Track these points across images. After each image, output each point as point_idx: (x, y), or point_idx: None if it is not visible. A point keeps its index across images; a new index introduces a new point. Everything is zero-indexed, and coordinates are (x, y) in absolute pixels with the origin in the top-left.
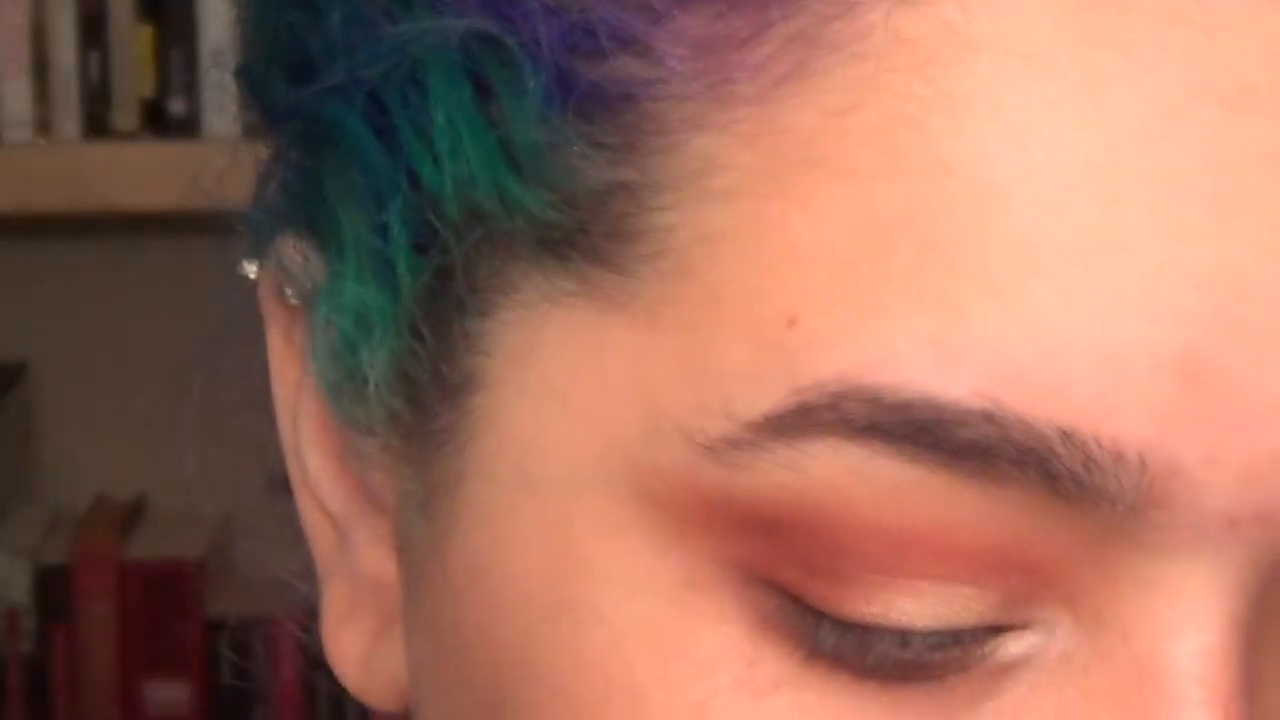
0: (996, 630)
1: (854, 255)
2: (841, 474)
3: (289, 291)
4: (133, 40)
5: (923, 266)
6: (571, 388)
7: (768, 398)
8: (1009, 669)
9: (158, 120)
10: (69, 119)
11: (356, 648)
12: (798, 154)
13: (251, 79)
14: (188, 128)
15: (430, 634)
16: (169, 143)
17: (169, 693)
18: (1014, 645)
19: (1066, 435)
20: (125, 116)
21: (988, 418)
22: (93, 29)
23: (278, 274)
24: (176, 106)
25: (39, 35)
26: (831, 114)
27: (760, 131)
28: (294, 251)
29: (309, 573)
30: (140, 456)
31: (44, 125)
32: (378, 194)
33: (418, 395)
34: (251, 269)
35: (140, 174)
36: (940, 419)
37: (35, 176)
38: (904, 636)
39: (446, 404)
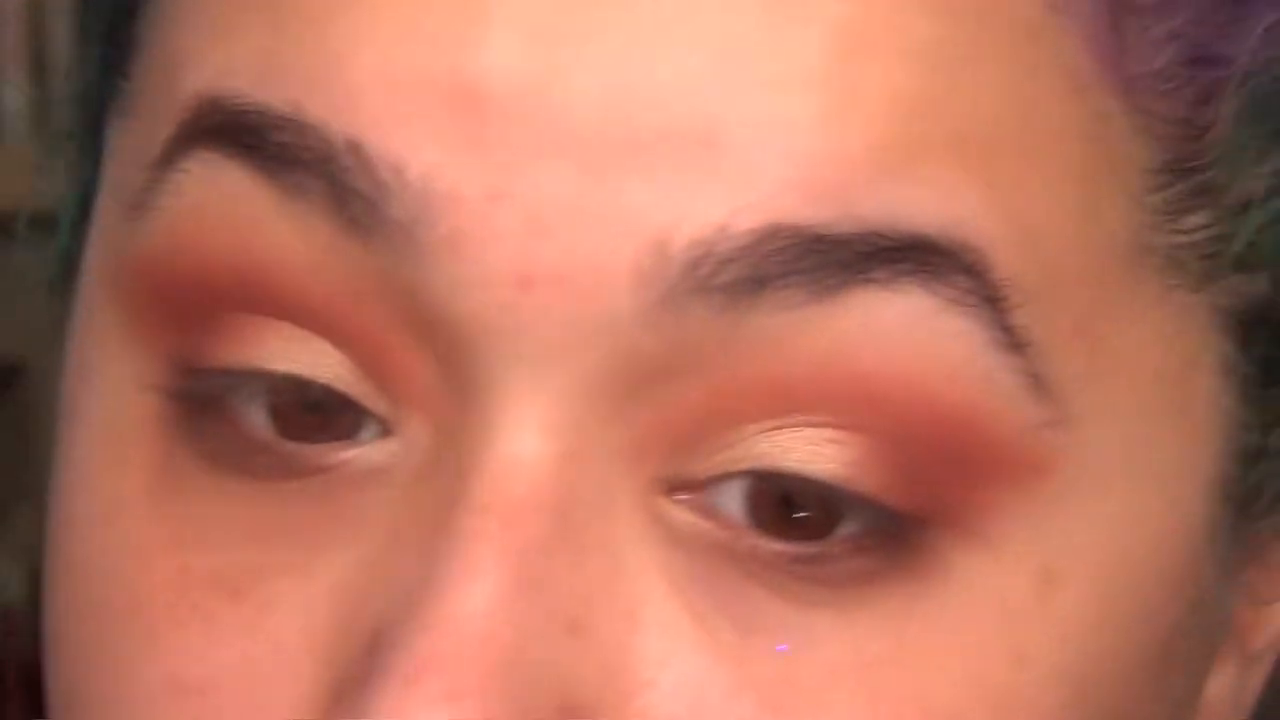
0: (358, 411)
1: None
2: (205, 185)
3: None
4: None
5: None
6: (101, 196)
7: (162, 135)
8: (371, 479)
9: None
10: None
11: None
12: None
13: None
14: None
15: None
16: None
17: None
18: (376, 454)
19: (354, 146)
20: None
21: (290, 121)
22: None
23: None
24: None
25: (38, 35)
26: None
27: None
28: None
29: None
30: None
31: (43, 124)
32: None
33: None
34: None
35: None
36: (261, 123)
37: (35, 176)
38: (269, 385)
39: None
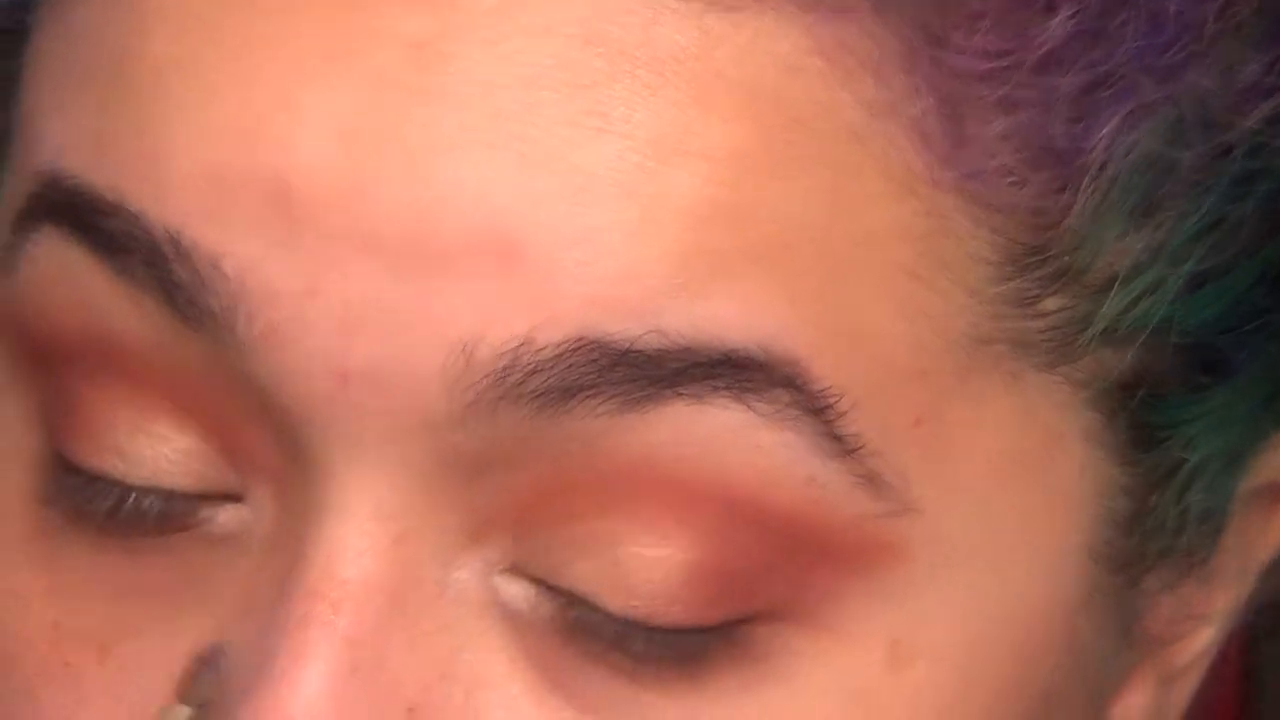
0: (206, 497)
1: (64, 62)
2: (52, 260)
3: None
4: None
5: (96, 74)
6: None
7: (20, 196)
8: (228, 544)
9: None
10: None
11: None
12: None
13: None
14: None
15: None
16: None
17: None
18: (231, 520)
19: (173, 237)
20: None
21: (116, 209)
22: None
23: None
24: None
25: None
26: None
27: None
28: None
29: None
30: None
31: None
32: None
33: None
34: None
35: None
36: (93, 205)
37: None
38: (117, 483)
39: None
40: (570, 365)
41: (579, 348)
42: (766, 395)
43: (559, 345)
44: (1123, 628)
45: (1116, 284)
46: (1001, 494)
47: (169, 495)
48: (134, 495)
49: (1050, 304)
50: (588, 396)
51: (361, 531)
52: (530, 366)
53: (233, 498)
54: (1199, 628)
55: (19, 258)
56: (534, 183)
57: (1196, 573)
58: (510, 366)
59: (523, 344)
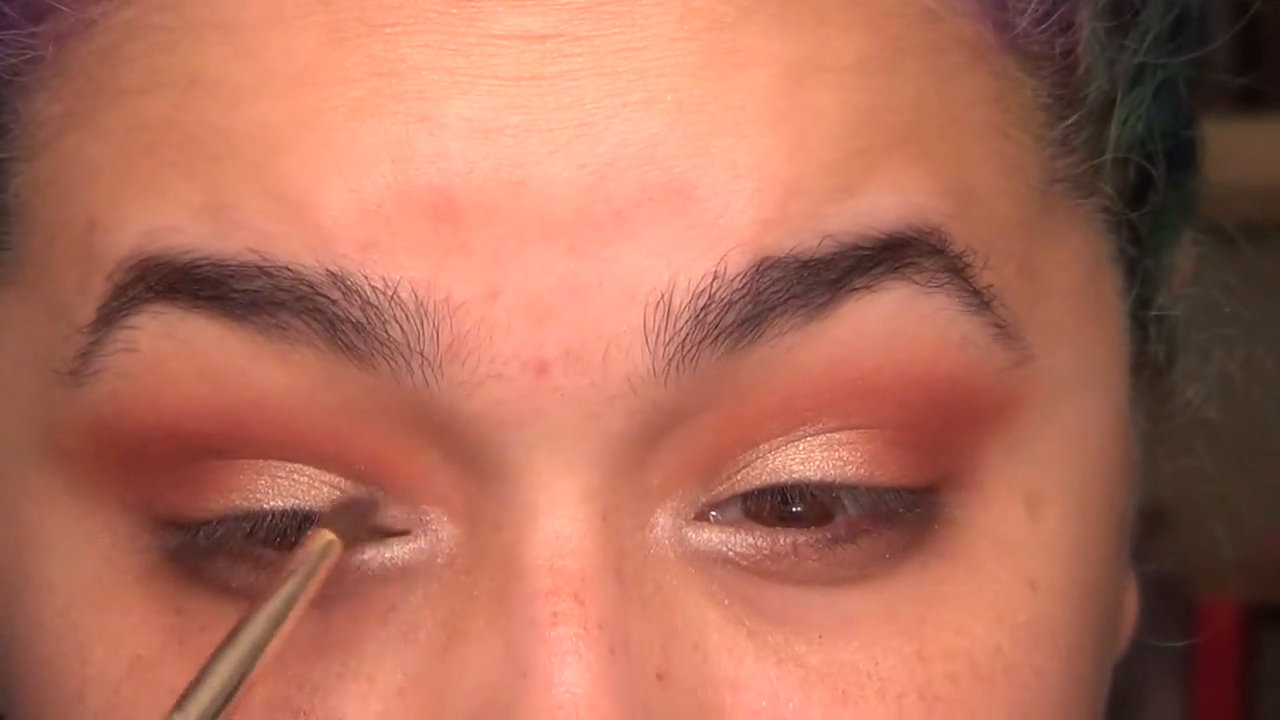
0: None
1: (131, 156)
2: (163, 340)
3: None
4: None
5: (189, 156)
6: None
7: (93, 297)
8: (400, 576)
9: None
10: None
11: None
12: (86, 89)
13: None
14: None
15: None
16: None
17: None
18: (403, 552)
19: (336, 276)
20: None
21: (259, 269)
22: None
23: None
24: None
25: None
26: (108, 50)
27: (59, 81)
28: None
29: None
30: None
31: None
32: None
33: None
34: None
35: None
36: (220, 274)
37: None
38: (256, 522)
39: None
40: (760, 290)
41: (764, 269)
42: (920, 265)
43: (745, 274)
44: (1142, 436)
45: (1116, 104)
46: (1079, 326)
47: (306, 517)
48: (273, 531)
49: (1078, 137)
50: (777, 316)
51: (574, 519)
52: (725, 300)
53: (394, 532)
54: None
55: (104, 355)
56: (693, 125)
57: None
58: (707, 305)
59: (715, 279)
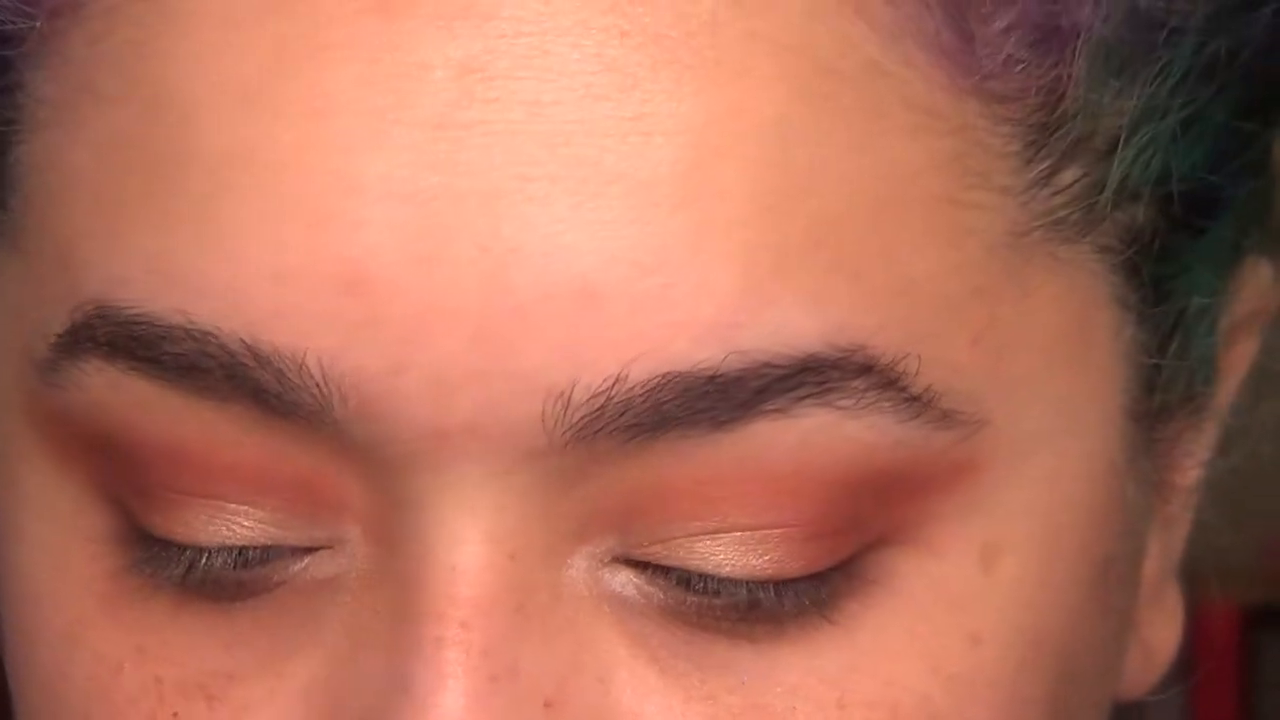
0: (293, 550)
1: (104, 178)
2: (107, 390)
3: None
4: None
5: (149, 186)
6: None
7: (59, 319)
8: (320, 587)
9: None
10: None
11: None
12: (74, 81)
13: None
14: None
15: None
16: None
17: None
18: (325, 565)
19: (250, 348)
20: None
21: (186, 333)
22: None
23: None
24: None
25: None
26: (91, 41)
27: (56, 62)
28: None
29: None
30: None
31: None
32: None
33: None
34: None
35: None
36: (153, 335)
37: None
38: (199, 552)
39: None
40: (659, 400)
41: (666, 382)
42: (845, 389)
43: (647, 382)
44: (1151, 482)
45: (1121, 142)
46: (1054, 375)
47: (246, 557)
48: (206, 555)
49: (1068, 175)
50: (679, 424)
51: (476, 554)
52: (623, 403)
53: (318, 548)
54: (1192, 470)
55: (64, 377)
56: (596, 211)
57: (1194, 419)
58: (604, 405)
59: (615, 382)
